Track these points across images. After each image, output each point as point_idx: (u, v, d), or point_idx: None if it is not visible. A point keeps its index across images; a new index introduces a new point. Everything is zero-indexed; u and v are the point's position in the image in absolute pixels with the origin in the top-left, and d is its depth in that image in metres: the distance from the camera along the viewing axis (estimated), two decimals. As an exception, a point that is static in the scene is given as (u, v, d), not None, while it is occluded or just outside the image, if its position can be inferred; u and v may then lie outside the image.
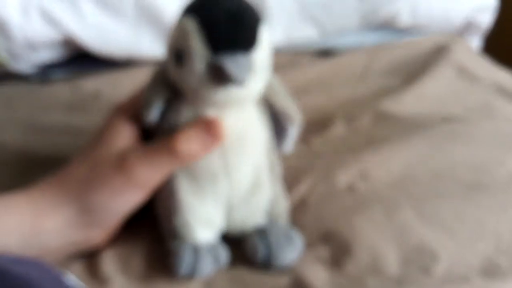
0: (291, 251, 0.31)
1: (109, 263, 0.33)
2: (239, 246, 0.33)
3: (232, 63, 0.25)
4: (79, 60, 0.57)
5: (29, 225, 0.30)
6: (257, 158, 0.32)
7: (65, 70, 0.57)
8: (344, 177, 0.39)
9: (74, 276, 0.27)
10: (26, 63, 0.54)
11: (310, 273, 0.31)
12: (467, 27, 0.68)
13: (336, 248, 0.33)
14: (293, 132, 0.33)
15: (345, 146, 0.45)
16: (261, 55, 0.27)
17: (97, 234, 0.32)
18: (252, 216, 0.33)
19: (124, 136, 0.31)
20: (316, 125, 0.48)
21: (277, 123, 0.33)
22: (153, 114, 0.30)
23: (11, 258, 0.25)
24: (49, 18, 0.51)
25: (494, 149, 0.43)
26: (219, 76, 0.26)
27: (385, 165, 0.41)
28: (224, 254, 0.32)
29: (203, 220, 0.32)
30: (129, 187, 0.30)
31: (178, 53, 0.27)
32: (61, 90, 0.54)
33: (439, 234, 0.34)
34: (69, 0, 0.51)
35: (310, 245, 0.33)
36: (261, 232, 0.32)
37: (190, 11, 0.27)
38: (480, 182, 0.39)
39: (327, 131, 0.47)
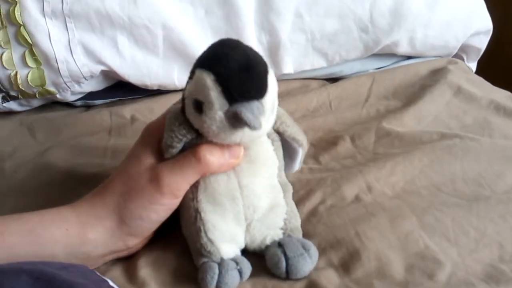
0: (308, 262, 0.31)
1: (145, 269, 0.33)
2: (258, 257, 0.33)
3: (247, 110, 0.26)
4: (118, 88, 0.58)
5: (74, 236, 0.31)
6: (270, 180, 0.33)
7: (105, 97, 0.58)
8: (351, 190, 0.39)
9: (113, 282, 0.27)
10: (71, 93, 0.56)
11: (322, 278, 0.31)
12: (464, 51, 0.67)
13: (345, 254, 0.33)
14: (302, 154, 0.35)
15: (352, 162, 0.45)
16: (270, 98, 0.28)
17: (135, 242, 0.33)
18: (269, 232, 0.33)
19: (155, 154, 0.32)
20: (326, 144, 0.48)
21: (287, 147, 0.34)
22: (175, 152, 0.31)
23: (59, 265, 0.26)
24: (90, 54, 0.53)
25: (492, 163, 0.42)
26: (237, 122, 0.27)
27: (389, 178, 0.41)
28: (248, 267, 0.32)
29: (226, 238, 0.32)
30: (160, 195, 0.30)
31: (197, 102, 0.28)
32: (102, 115, 0.55)
33: (442, 242, 0.34)
34: (108, 38, 0.53)
35: (321, 251, 0.33)
36: (280, 246, 0.32)
37: (205, 65, 0.27)
38: (479, 194, 0.38)
39: (336, 148, 0.47)
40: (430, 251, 0.33)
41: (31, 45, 0.51)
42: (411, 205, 0.37)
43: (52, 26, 0.51)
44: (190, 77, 0.29)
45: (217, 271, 0.30)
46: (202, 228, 0.31)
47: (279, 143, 0.33)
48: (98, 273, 0.28)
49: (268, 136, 0.33)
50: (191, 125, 0.30)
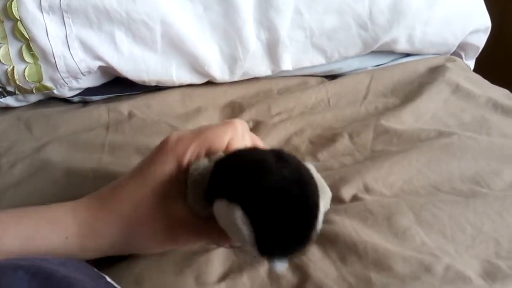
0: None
1: (142, 264, 0.33)
2: None
3: (281, 263, 0.21)
4: (115, 84, 0.58)
5: (74, 245, 0.29)
6: None
7: (103, 93, 0.58)
8: (349, 190, 0.39)
9: (110, 279, 0.27)
10: (68, 89, 0.55)
11: (319, 271, 0.31)
12: (462, 49, 0.67)
13: (343, 248, 0.33)
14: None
15: (350, 159, 0.45)
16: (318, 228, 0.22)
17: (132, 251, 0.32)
18: None
19: (174, 193, 0.28)
20: (324, 141, 0.48)
21: None
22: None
23: (57, 261, 0.26)
24: (88, 50, 0.52)
25: (490, 161, 0.42)
26: (267, 262, 0.22)
27: (387, 178, 0.41)
28: None
29: None
30: (172, 247, 0.30)
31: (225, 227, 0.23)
32: (99, 111, 0.55)
33: (439, 238, 0.34)
34: (106, 33, 0.52)
35: (319, 244, 0.34)
36: None
37: (236, 193, 0.20)
38: (477, 191, 0.39)
39: (334, 145, 0.47)
40: (427, 248, 0.33)
41: (28, 40, 0.51)
42: (409, 203, 0.37)
43: (49, 21, 0.51)
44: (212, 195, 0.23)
45: None
46: None
47: None
48: (95, 269, 0.28)
49: None
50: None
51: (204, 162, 0.27)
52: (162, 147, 0.29)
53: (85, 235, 0.29)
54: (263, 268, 0.33)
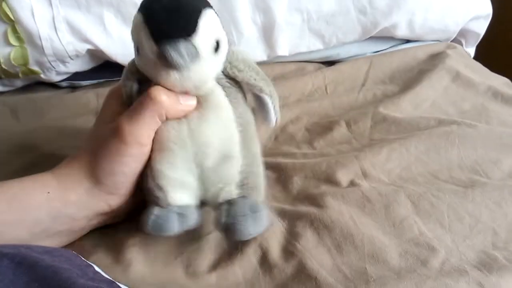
0: (249, 224, 0.31)
1: (131, 249, 0.33)
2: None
3: (173, 50, 0.27)
4: (105, 68, 0.57)
5: (56, 199, 0.31)
6: (224, 128, 0.32)
7: (92, 78, 0.57)
8: (346, 175, 0.39)
9: (98, 267, 0.27)
10: (55, 72, 0.54)
11: (314, 260, 0.31)
12: (463, 35, 0.67)
13: (339, 236, 0.33)
14: (271, 102, 0.34)
15: (347, 147, 0.45)
16: (206, 39, 0.28)
17: (116, 202, 0.33)
18: (224, 185, 0.32)
19: (116, 113, 0.33)
20: (321, 129, 0.48)
21: (258, 101, 0.34)
22: (129, 88, 0.33)
23: (42, 249, 0.26)
24: (76, 32, 0.51)
25: (489, 150, 0.42)
26: (165, 62, 0.27)
27: (385, 165, 0.41)
28: (193, 215, 0.32)
29: (176, 184, 0.32)
30: (125, 145, 0.31)
31: (136, 45, 0.30)
32: (88, 96, 0.54)
33: (437, 228, 0.34)
34: (94, 15, 0.51)
35: (314, 230, 0.34)
36: (229, 204, 0.32)
37: (139, 7, 0.29)
38: (475, 181, 0.39)
39: (331, 133, 0.47)
40: (424, 237, 0.33)
41: (13, 22, 0.49)
42: (407, 191, 0.37)
43: (35, 2, 0.49)
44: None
45: (156, 213, 0.31)
46: (149, 173, 0.32)
47: (235, 90, 0.33)
48: (83, 258, 0.27)
49: (218, 82, 0.32)
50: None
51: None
52: (103, 102, 0.36)
53: (65, 186, 0.32)
54: (255, 256, 0.33)
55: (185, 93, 0.31)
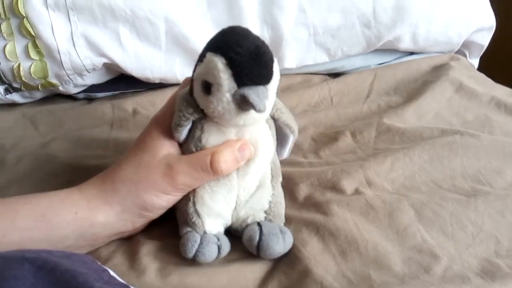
0: (281, 243, 0.33)
1: (146, 257, 0.34)
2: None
3: (253, 93, 0.28)
4: (120, 81, 0.58)
5: (84, 219, 0.32)
6: (265, 164, 0.34)
7: (107, 90, 0.59)
8: (351, 183, 0.40)
9: (114, 272, 0.28)
10: (73, 85, 0.56)
11: (319, 266, 0.32)
12: (466, 47, 0.67)
13: (343, 242, 0.33)
14: (292, 141, 0.36)
15: (352, 157, 0.45)
16: (274, 85, 0.31)
17: (141, 222, 0.34)
18: (253, 213, 0.35)
19: (165, 145, 0.33)
20: (326, 139, 0.48)
21: (278, 134, 0.36)
22: (182, 135, 0.33)
23: (61, 253, 0.26)
24: (93, 47, 0.53)
25: (492, 160, 0.42)
26: (243, 104, 0.29)
27: (389, 174, 0.41)
28: (227, 245, 0.34)
29: (213, 214, 0.34)
30: (173, 189, 0.32)
31: (206, 84, 0.30)
32: (104, 107, 0.55)
33: (439, 236, 0.34)
34: (111, 31, 0.53)
35: (320, 237, 0.34)
36: (258, 225, 0.34)
37: (217, 49, 0.29)
38: (478, 190, 0.39)
39: (336, 143, 0.47)
40: (427, 245, 0.33)
41: (34, 37, 0.51)
42: (410, 200, 0.37)
43: (55, 18, 0.51)
44: (200, 60, 0.30)
45: (198, 241, 0.32)
46: (192, 198, 0.33)
47: (274, 129, 0.35)
48: (99, 263, 0.28)
49: (266, 121, 0.34)
50: (198, 105, 0.31)
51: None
52: (145, 129, 0.35)
53: (94, 207, 0.32)
54: (263, 261, 0.33)
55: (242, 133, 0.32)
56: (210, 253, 0.32)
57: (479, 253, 0.33)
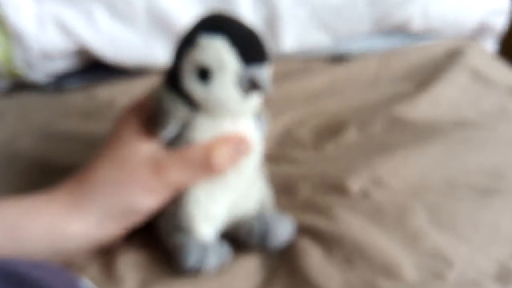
0: (287, 230, 0.34)
1: (123, 267, 0.33)
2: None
3: (261, 73, 0.30)
4: (93, 69, 0.57)
5: (58, 229, 0.31)
6: (257, 158, 0.35)
7: (80, 79, 0.58)
8: (356, 182, 0.40)
9: (88, 281, 0.28)
10: (41, 73, 0.55)
11: (323, 275, 0.32)
12: (480, 30, 0.67)
13: (349, 249, 0.34)
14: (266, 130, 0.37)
15: (357, 151, 0.45)
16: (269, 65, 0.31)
17: (122, 232, 0.33)
18: (247, 208, 0.35)
19: (147, 138, 0.32)
20: (329, 131, 0.48)
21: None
22: (170, 133, 0.32)
23: (30, 263, 0.26)
24: (63, 28, 0.52)
25: (509, 153, 0.43)
26: (253, 86, 0.30)
27: (399, 171, 0.41)
28: (227, 250, 0.33)
29: (209, 216, 0.33)
30: (161, 188, 0.32)
31: (203, 71, 0.30)
32: (76, 98, 0.54)
33: (453, 239, 0.34)
34: (83, 10, 0.52)
35: (322, 243, 0.34)
36: (255, 217, 0.34)
37: (212, 31, 0.30)
38: (494, 187, 0.39)
39: (340, 136, 0.47)
40: (440, 250, 0.34)
41: (-4, 17, 0.50)
42: (422, 200, 0.37)
43: (20, -4, 0.50)
44: (189, 46, 0.30)
45: (198, 250, 0.32)
46: (184, 200, 0.33)
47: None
48: (71, 272, 0.28)
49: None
50: (187, 101, 0.31)
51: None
52: (116, 122, 0.34)
53: (69, 215, 0.31)
54: (259, 272, 0.33)
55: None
56: (215, 261, 0.32)
57: (495, 256, 0.33)
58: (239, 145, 0.32)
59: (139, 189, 0.31)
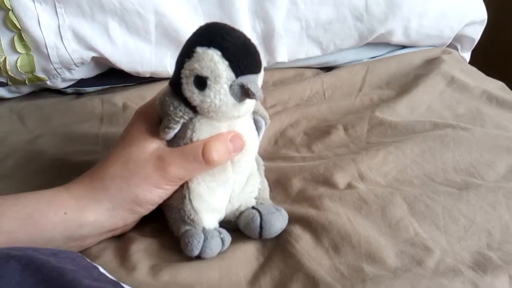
0: (280, 219, 0.34)
1: (137, 254, 0.33)
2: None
3: (251, 82, 0.29)
4: (109, 75, 0.57)
5: (73, 220, 0.31)
6: (254, 155, 0.35)
7: (97, 84, 0.58)
8: (344, 177, 0.40)
9: (104, 269, 0.27)
10: (61, 80, 0.55)
11: (312, 260, 0.32)
12: (458, 40, 0.67)
13: (336, 237, 0.33)
14: (265, 130, 0.37)
15: (345, 150, 0.45)
16: (262, 74, 0.32)
17: (132, 218, 0.34)
18: (245, 201, 0.36)
19: (153, 138, 0.33)
20: (319, 132, 0.48)
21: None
22: (171, 135, 0.33)
23: (48, 251, 0.26)
24: (81, 40, 0.52)
25: (484, 153, 0.42)
26: (244, 94, 0.30)
27: (381, 168, 0.41)
28: (228, 236, 0.33)
29: (210, 209, 0.34)
30: (166, 183, 0.32)
31: (200, 79, 0.30)
32: (93, 102, 0.54)
33: (432, 229, 0.34)
34: (99, 24, 0.52)
35: (312, 232, 0.34)
36: (254, 208, 0.35)
37: (207, 43, 0.29)
38: (470, 183, 0.39)
39: (329, 137, 0.47)
40: (419, 238, 0.33)
41: (20, 30, 0.50)
42: (403, 193, 0.37)
43: (41, 11, 0.50)
44: (188, 56, 0.30)
45: (202, 237, 0.32)
46: (187, 195, 0.33)
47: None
48: (88, 260, 0.28)
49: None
50: (187, 105, 0.31)
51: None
52: (130, 123, 0.35)
53: (83, 207, 0.31)
54: (255, 257, 0.33)
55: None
56: (216, 247, 0.32)
57: (471, 246, 0.33)
58: (233, 141, 0.32)
59: (144, 184, 0.32)
